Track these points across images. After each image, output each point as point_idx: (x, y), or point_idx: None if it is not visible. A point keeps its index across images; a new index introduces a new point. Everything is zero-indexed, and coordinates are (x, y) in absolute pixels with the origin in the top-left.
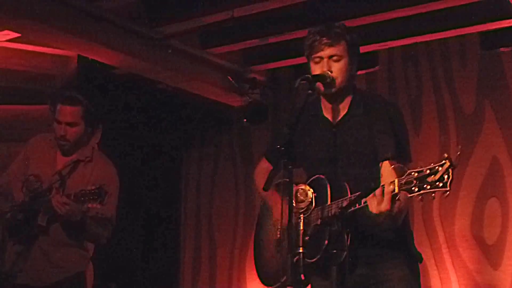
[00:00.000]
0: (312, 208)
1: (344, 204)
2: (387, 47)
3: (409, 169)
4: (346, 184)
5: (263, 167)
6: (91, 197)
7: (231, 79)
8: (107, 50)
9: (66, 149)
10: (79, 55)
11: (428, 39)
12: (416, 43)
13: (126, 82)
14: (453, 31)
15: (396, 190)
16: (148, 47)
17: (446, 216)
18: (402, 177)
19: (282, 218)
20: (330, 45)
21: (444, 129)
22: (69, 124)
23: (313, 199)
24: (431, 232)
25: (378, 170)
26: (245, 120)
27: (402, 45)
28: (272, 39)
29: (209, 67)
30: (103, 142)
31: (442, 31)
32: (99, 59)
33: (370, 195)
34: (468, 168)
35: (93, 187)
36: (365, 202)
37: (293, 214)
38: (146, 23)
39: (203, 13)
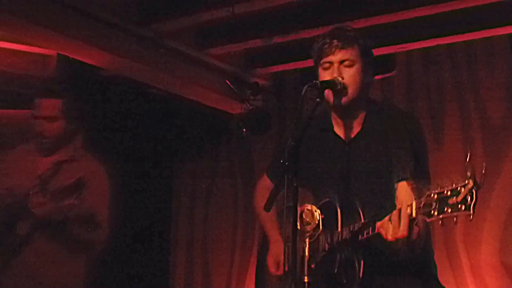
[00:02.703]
0: (319, 231)
1: (356, 228)
2: (405, 49)
3: (428, 190)
4: (358, 207)
5: (264, 186)
6: (69, 192)
7: (229, 84)
8: (92, 49)
9: (46, 148)
10: (59, 54)
11: (451, 41)
12: (438, 45)
13: (112, 85)
14: (479, 32)
15: (414, 214)
16: (138, 46)
17: (471, 242)
18: (420, 199)
19: (286, 249)
20: (342, 48)
21: (468, 142)
22: (47, 118)
23: (320, 222)
24: (454, 260)
25: (394, 191)
26: (245, 130)
27: (422, 48)
28: (277, 39)
29: (206, 69)
30: (89, 146)
31: (467, 32)
32: (82, 59)
33: (385, 220)
34: (496, 187)
35: (70, 181)
36: (379, 227)
37: (298, 238)
38: (136, 20)
39: (200, 10)
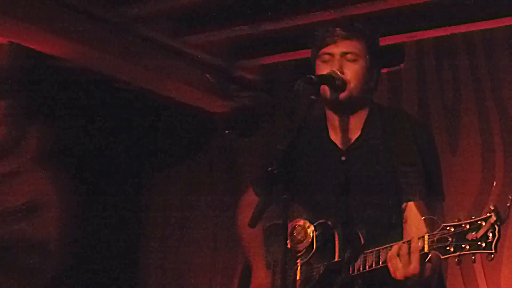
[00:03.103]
0: (312, 251)
1: (356, 266)
2: (415, 39)
3: (442, 220)
4: (358, 231)
5: (249, 202)
6: (18, 216)
7: (211, 78)
8: (50, 36)
9: None
10: (11, 42)
11: (468, 30)
12: (453, 34)
13: (75, 78)
14: (501, 19)
15: (426, 249)
16: (106, 33)
17: (490, 265)
18: (434, 233)
19: (273, 272)
20: (346, 38)
21: (488, 146)
22: None
23: (314, 240)
24: (471, 285)
25: (401, 213)
26: (229, 132)
27: (434, 37)
28: (267, 26)
29: (184, 61)
30: (39, 155)
31: (487, 19)
32: (38, 48)
33: (393, 253)
34: None
35: (19, 203)
36: (384, 262)
37: (288, 258)
38: (103, 3)
39: None
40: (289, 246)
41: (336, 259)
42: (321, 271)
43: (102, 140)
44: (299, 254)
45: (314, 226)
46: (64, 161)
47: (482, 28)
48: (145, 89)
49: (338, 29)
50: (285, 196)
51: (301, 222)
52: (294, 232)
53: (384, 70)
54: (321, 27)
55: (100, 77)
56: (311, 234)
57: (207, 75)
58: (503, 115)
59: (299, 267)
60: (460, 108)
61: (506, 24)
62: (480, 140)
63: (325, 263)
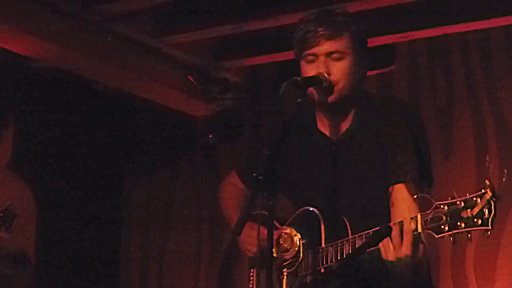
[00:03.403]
0: (299, 259)
1: (345, 249)
2: (408, 39)
3: (434, 199)
4: (345, 219)
5: (232, 184)
6: None
7: (192, 80)
8: (25, 36)
9: None
10: None
11: (463, 30)
12: (447, 34)
13: (47, 80)
14: (497, 19)
15: (419, 229)
16: (81, 33)
17: (483, 267)
18: (427, 212)
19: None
20: (329, 38)
21: (482, 149)
22: None
23: (301, 248)
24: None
25: (388, 197)
26: (211, 136)
27: (428, 37)
28: (251, 26)
29: (165, 62)
30: (12, 160)
31: (482, 19)
32: (13, 48)
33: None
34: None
35: None
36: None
37: (274, 268)
38: (80, 0)
39: None
40: (275, 255)
41: (322, 246)
42: (308, 281)
43: (80, 144)
44: (286, 264)
45: (298, 215)
46: (41, 165)
47: (477, 28)
48: (124, 91)
49: (320, 29)
50: (270, 202)
51: (288, 230)
52: (280, 240)
53: (374, 72)
54: (301, 25)
55: (78, 78)
56: (298, 243)
57: (189, 77)
58: (498, 118)
59: (285, 277)
60: (454, 111)
61: (501, 24)
62: (474, 144)
63: (311, 270)
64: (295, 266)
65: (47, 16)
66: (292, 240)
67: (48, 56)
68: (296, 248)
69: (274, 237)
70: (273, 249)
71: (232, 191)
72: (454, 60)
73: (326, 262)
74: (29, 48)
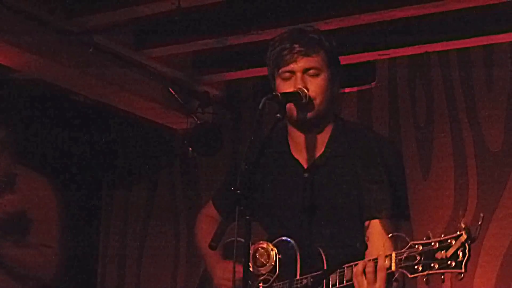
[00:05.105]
0: (275, 275)
1: (319, 278)
2: (387, 56)
3: (409, 238)
4: (320, 249)
5: (208, 215)
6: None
7: (173, 92)
8: (4, 47)
9: None
10: None
11: (443, 49)
12: (427, 52)
13: (28, 91)
14: (477, 38)
15: (393, 268)
16: (62, 44)
17: None
18: (402, 251)
19: None
20: (305, 55)
21: (461, 171)
22: None
23: (277, 263)
24: None
25: (363, 232)
26: (191, 149)
27: (408, 55)
28: (232, 40)
29: (145, 74)
30: None
31: (463, 38)
32: None
33: (358, 270)
34: (490, 226)
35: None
36: (349, 280)
37: (249, 282)
38: (60, 12)
39: (139, 1)
40: (251, 269)
41: (297, 277)
42: None
43: (58, 157)
44: (262, 278)
45: (274, 244)
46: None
47: (458, 47)
48: (104, 103)
49: (296, 45)
50: (247, 217)
51: (265, 245)
52: (257, 254)
53: (355, 89)
54: (276, 43)
55: (58, 89)
56: (274, 257)
57: (170, 89)
58: (478, 137)
59: None
60: (433, 129)
61: (482, 43)
62: (453, 162)
63: (287, 281)
64: (271, 280)
65: (28, 27)
66: (269, 254)
67: (29, 67)
68: (273, 263)
69: (251, 252)
70: (249, 264)
71: (207, 223)
72: (434, 78)
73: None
74: (9, 58)
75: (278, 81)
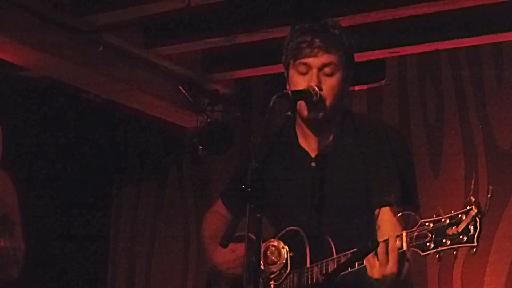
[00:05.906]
0: (286, 272)
1: (330, 267)
2: (397, 54)
3: (420, 218)
4: (329, 238)
5: (216, 213)
6: None
7: (183, 91)
8: (10, 43)
9: None
10: None
11: (453, 46)
12: (437, 50)
13: (35, 89)
14: (487, 36)
15: (405, 247)
16: (72, 42)
17: (471, 286)
18: (413, 229)
19: None
20: (326, 51)
21: (471, 169)
22: None
23: (288, 261)
24: None
25: (374, 219)
26: (201, 148)
27: (418, 53)
28: (241, 38)
29: (155, 73)
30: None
31: (473, 36)
32: (3, 57)
33: (369, 254)
34: (502, 219)
35: None
36: (360, 263)
37: (261, 280)
38: (69, 9)
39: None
40: (262, 267)
41: (308, 265)
42: None
43: (69, 155)
44: (273, 276)
45: (284, 232)
46: (29, 173)
47: (467, 45)
48: (114, 102)
49: (317, 40)
50: (258, 215)
51: (276, 243)
52: (268, 252)
53: (365, 87)
54: (296, 34)
55: (68, 88)
56: (285, 255)
57: (180, 88)
58: (488, 135)
59: None
60: (443, 127)
61: (492, 41)
62: (463, 161)
63: (297, 272)
64: (282, 279)
65: (37, 25)
66: (280, 252)
67: (39, 65)
68: (284, 261)
69: (262, 249)
70: (261, 261)
71: (215, 219)
72: (444, 76)
73: (312, 281)
74: (19, 57)
75: (292, 73)
